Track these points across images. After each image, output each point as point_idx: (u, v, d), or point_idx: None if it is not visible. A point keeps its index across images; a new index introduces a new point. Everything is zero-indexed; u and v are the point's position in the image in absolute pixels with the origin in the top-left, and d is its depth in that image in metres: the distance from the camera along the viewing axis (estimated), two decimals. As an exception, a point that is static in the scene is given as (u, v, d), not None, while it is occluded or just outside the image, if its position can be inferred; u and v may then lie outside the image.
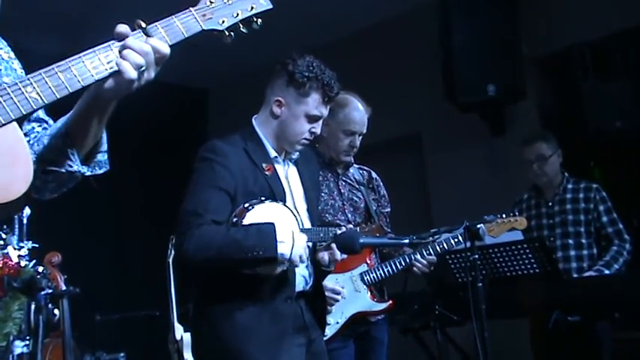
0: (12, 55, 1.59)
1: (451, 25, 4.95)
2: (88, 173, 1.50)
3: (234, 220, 2.37)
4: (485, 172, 5.28)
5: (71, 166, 1.45)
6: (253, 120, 2.66)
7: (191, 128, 6.76)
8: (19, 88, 1.31)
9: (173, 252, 4.20)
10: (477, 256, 2.80)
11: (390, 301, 3.19)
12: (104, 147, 1.53)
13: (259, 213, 2.38)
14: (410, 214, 4.77)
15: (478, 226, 2.82)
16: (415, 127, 5.74)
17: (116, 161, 1.59)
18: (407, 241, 2.55)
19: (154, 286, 4.64)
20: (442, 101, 5.12)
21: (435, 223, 4.33)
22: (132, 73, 1.35)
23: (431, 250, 3.13)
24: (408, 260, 3.13)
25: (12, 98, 1.30)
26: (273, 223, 2.33)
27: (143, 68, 1.37)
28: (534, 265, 3.44)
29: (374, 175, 3.48)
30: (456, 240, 3.07)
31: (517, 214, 3.56)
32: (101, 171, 1.54)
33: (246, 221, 2.35)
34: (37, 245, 3.45)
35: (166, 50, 1.42)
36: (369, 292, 3.15)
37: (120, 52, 1.37)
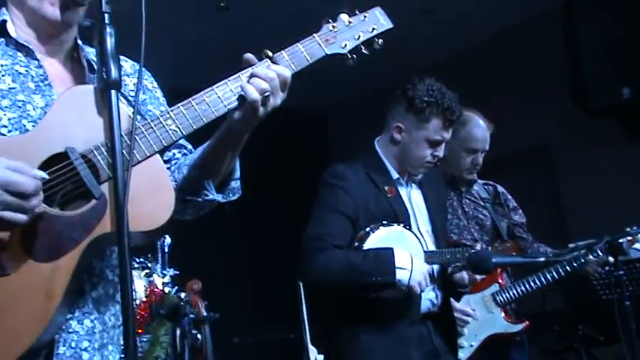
0: (155, 84, 1.71)
1: (578, 28, 4.73)
2: (223, 200, 1.57)
3: (356, 244, 2.39)
4: (622, 180, 4.94)
5: (207, 195, 1.53)
6: (375, 142, 2.67)
7: (312, 152, 6.89)
8: (160, 122, 1.41)
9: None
10: (622, 272, 2.62)
11: (527, 322, 3.06)
12: (237, 174, 1.60)
13: (380, 237, 2.37)
14: (542, 229, 4.53)
15: (621, 240, 2.65)
16: (543, 137, 5.50)
17: (244, 187, 1.65)
18: (543, 259, 2.45)
19: (287, 309, 4.74)
20: (571, 108, 4.88)
21: (572, 238, 4.10)
22: (254, 95, 1.41)
23: (568, 267, 2.96)
24: (551, 275, 2.97)
25: (155, 132, 1.40)
26: (392, 249, 2.32)
27: (267, 93, 1.43)
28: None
29: (500, 189, 3.36)
30: (596, 256, 2.89)
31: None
32: (234, 197, 1.61)
33: (366, 246, 2.36)
34: (178, 272, 3.68)
35: (288, 74, 1.47)
36: (502, 313, 3.04)
37: (248, 80, 1.45)
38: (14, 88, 1.42)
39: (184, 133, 1.43)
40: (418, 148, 2.53)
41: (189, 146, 1.66)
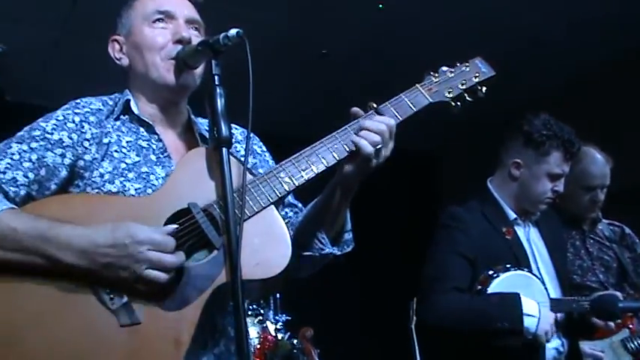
0: (264, 148, 1.80)
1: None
2: (338, 253, 1.60)
3: (478, 288, 2.33)
4: None
5: (323, 249, 1.57)
6: (488, 183, 2.62)
7: (424, 193, 6.83)
8: (274, 175, 1.50)
9: (415, 317, 4.20)
10: None
11: (660, 371, 2.83)
12: (349, 226, 1.63)
13: (504, 282, 2.30)
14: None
15: None
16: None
17: (355, 231, 1.67)
18: (678, 304, 2.27)
19: (398, 353, 4.64)
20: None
21: None
22: (369, 149, 1.46)
23: None
24: None
25: (268, 184, 1.48)
26: (518, 294, 2.24)
27: (379, 145, 1.47)
28: None
29: (627, 230, 3.15)
30: None
31: None
32: (349, 249, 1.64)
33: (490, 290, 2.29)
34: (290, 317, 3.72)
35: (394, 124, 1.52)
36: (633, 361, 2.83)
37: (356, 133, 1.50)
38: (138, 161, 1.55)
39: (297, 184, 1.50)
40: (539, 183, 2.48)
41: (300, 205, 1.73)
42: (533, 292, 2.31)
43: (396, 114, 1.56)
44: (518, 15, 4.65)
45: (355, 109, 1.54)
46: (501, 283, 2.29)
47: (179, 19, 1.63)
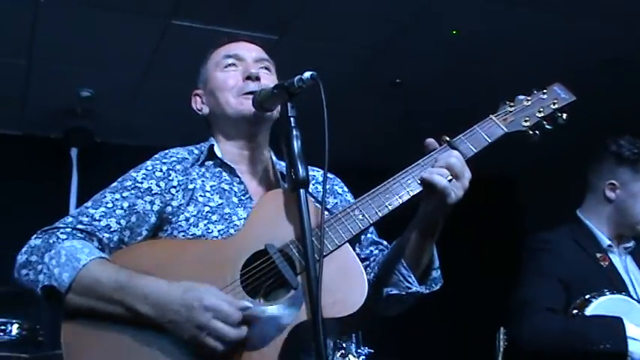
0: (345, 189, 1.81)
1: None
2: (426, 292, 1.57)
3: (574, 312, 2.24)
4: None
5: (410, 288, 1.54)
6: (578, 212, 2.54)
7: (503, 218, 6.65)
8: (349, 213, 1.50)
9: (502, 346, 4.07)
10: None
11: None
12: (436, 264, 1.60)
13: (603, 305, 2.20)
14: None
15: None
16: None
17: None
18: None
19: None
20: None
21: None
22: (442, 183, 1.43)
23: None
24: None
25: (343, 222, 1.48)
26: (620, 318, 2.14)
27: (450, 177, 1.45)
28: None
29: None
30: None
31: None
32: (437, 287, 1.60)
33: (588, 313, 2.19)
34: (372, 351, 3.67)
35: (462, 155, 1.49)
36: None
37: (432, 166, 1.48)
38: (221, 203, 1.61)
39: (371, 222, 1.49)
40: (638, 201, 2.41)
41: (385, 242, 1.72)
42: (635, 318, 2.19)
43: (471, 146, 1.53)
44: (596, 35, 4.51)
45: (429, 140, 1.53)
46: (600, 306, 2.19)
47: (247, 60, 1.73)
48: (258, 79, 1.67)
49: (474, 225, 6.46)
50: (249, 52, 1.75)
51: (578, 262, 2.34)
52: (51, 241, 1.48)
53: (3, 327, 3.46)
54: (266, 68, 1.74)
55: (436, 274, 1.59)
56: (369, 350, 3.57)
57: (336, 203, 1.74)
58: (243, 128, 1.69)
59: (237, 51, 1.74)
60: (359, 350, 3.51)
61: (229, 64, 1.72)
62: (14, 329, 3.48)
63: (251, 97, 1.63)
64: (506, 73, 4.79)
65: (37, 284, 1.43)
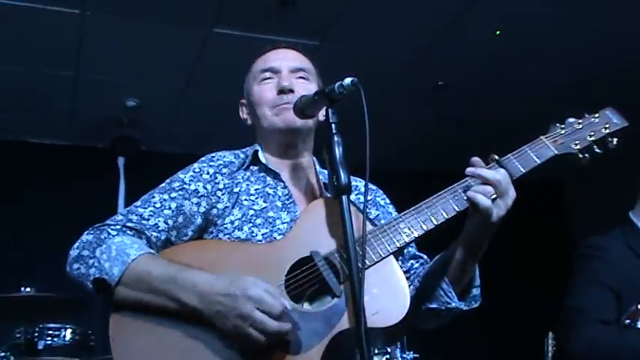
0: (387, 200, 1.82)
1: None
2: (465, 309, 1.57)
3: (627, 322, 2.20)
4: None
5: (449, 304, 1.54)
6: (630, 214, 2.49)
7: (549, 222, 6.51)
8: (394, 226, 1.51)
9: (551, 351, 4.00)
10: None
11: None
12: (477, 282, 1.59)
13: None
14: None
15: None
16: None
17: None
18: None
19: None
20: None
21: None
22: (484, 202, 1.44)
23: None
24: None
25: (388, 234, 1.50)
26: None
27: (494, 195, 1.45)
28: None
29: None
30: None
31: None
32: (476, 305, 1.59)
33: None
34: (417, 355, 3.64)
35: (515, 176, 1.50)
36: None
37: (477, 184, 1.49)
38: (265, 207, 1.63)
39: (415, 235, 1.50)
40: None
41: (425, 257, 1.72)
42: None
43: (519, 166, 1.54)
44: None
45: (475, 158, 1.52)
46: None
47: (283, 71, 1.74)
48: (291, 91, 1.69)
49: (520, 229, 6.35)
50: (286, 61, 1.77)
51: (632, 270, 2.29)
52: (102, 236, 1.53)
53: (57, 332, 3.55)
54: (303, 77, 1.75)
55: (476, 292, 1.59)
56: (414, 355, 3.54)
57: (378, 215, 1.74)
58: (279, 139, 1.72)
59: (273, 63, 1.76)
60: (404, 355, 3.49)
61: (266, 78, 1.75)
62: (68, 334, 3.58)
63: (286, 107, 1.65)
64: (549, 73, 4.70)
65: (88, 277, 1.48)
